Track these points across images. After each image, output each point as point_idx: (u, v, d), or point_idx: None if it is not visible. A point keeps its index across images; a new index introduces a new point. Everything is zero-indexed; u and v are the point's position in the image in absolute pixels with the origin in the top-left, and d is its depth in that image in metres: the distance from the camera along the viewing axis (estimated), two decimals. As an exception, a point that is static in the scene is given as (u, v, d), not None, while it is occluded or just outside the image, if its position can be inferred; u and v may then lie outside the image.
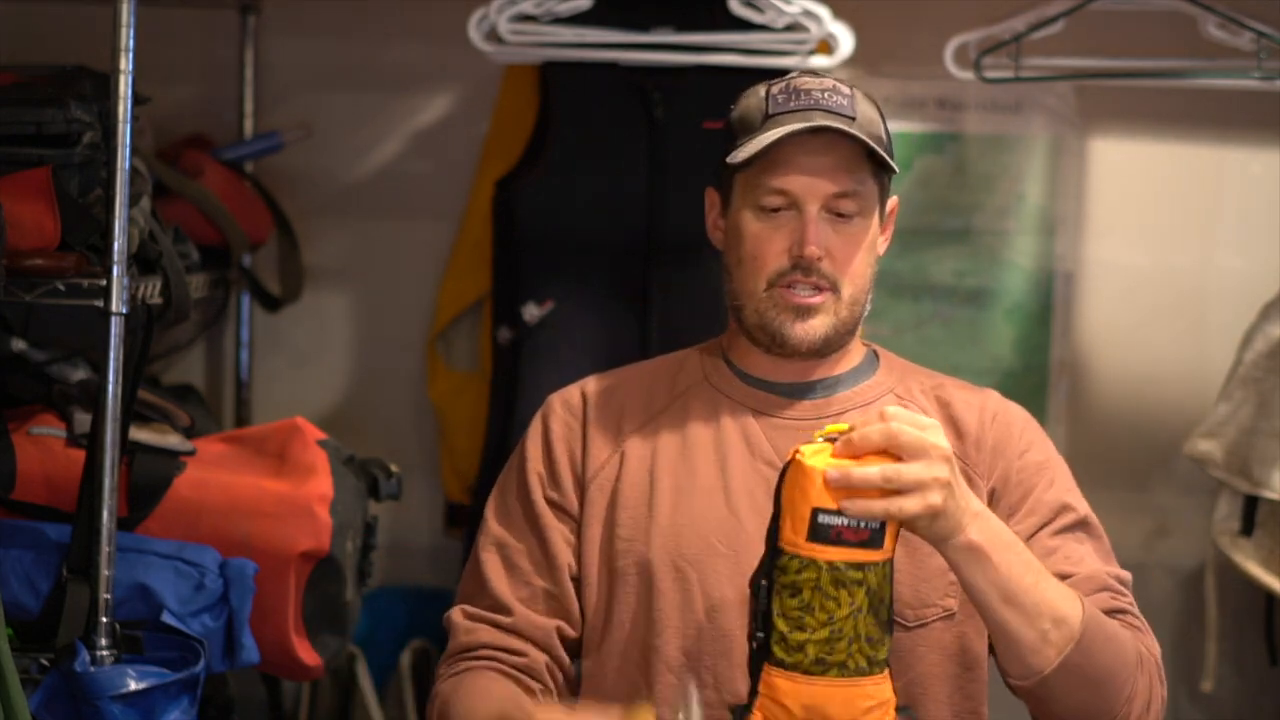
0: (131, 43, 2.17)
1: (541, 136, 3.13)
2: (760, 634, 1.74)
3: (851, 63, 2.99)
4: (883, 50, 3.22)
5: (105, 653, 2.20)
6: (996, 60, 2.95)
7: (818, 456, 1.72)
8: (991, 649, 2.00)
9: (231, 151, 3.19)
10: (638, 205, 3.04)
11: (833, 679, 1.72)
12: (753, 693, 1.76)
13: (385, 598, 3.29)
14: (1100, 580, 1.95)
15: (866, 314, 2.08)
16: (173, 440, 2.50)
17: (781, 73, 2.08)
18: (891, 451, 1.72)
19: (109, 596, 2.20)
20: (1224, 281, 3.30)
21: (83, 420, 2.42)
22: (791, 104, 1.98)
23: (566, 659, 2.04)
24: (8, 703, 2.04)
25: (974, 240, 3.31)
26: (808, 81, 2.00)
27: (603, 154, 3.07)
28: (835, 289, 2.00)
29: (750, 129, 1.99)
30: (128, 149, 2.20)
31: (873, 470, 1.70)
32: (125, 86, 2.18)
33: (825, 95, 1.98)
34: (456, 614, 2.05)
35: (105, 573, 2.20)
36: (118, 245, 2.19)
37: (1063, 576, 1.90)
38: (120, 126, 2.19)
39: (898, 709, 1.77)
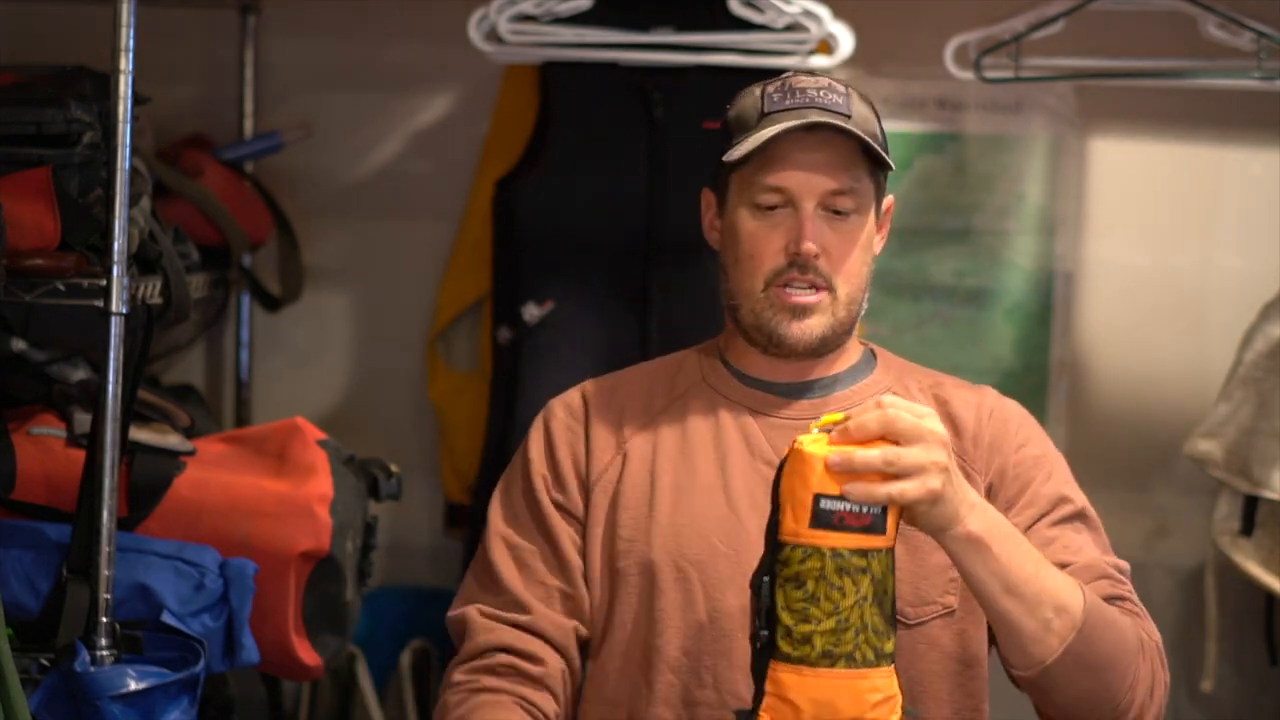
0: (131, 43, 2.17)
1: (541, 136, 3.13)
2: (764, 631, 1.73)
3: (851, 63, 2.99)
4: (883, 50, 3.22)
5: (105, 653, 2.20)
6: (996, 60, 2.95)
7: (816, 445, 1.72)
8: (993, 642, 2.00)
9: (231, 151, 3.19)
10: (638, 205, 3.04)
11: (841, 670, 1.71)
12: (758, 695, 1.74)
13: (385, 598, 3.29)
14: (1099, 568, 1.95)
15: (863, 313, 2.07)
16: (173, 440, 2.50)
17: (780, 73, 2.08)
18: (889, 438, 1.72)
19: (109, 596, 2.20)
20: (1224, 281, 3.30)
21: (83, 420, 2.42)
22: (787, 102, 1.98)
23: (579, 662, 2.04)
24: (8, 703, 2.04)
25: (974, 240, 3.31)
26: (803, 80, 2.00)
27: (603, 154, 3.07)
28: (831, 288, 2.00)
29: (746, 128, 1.99)
30: (128, 149, 2.20)
31: (874, 453, 1.70)
32: (125, 86, 2.18)
33: (821, 93, 1.98)
34: (472, 612, 2.03)
35: (105, 573, 2.20)
36: (118, 245, 2.19)
37: (1061, 566, 1.90)
38: (120, 126, 2.19)
39: (904, 709, 1.77)
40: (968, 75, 2.98)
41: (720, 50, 2.97)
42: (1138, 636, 1.89)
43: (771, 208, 1.99)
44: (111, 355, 2.20)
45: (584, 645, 2.05)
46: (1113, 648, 1.85)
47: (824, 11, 2.91)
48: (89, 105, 2.30)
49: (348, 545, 2.49)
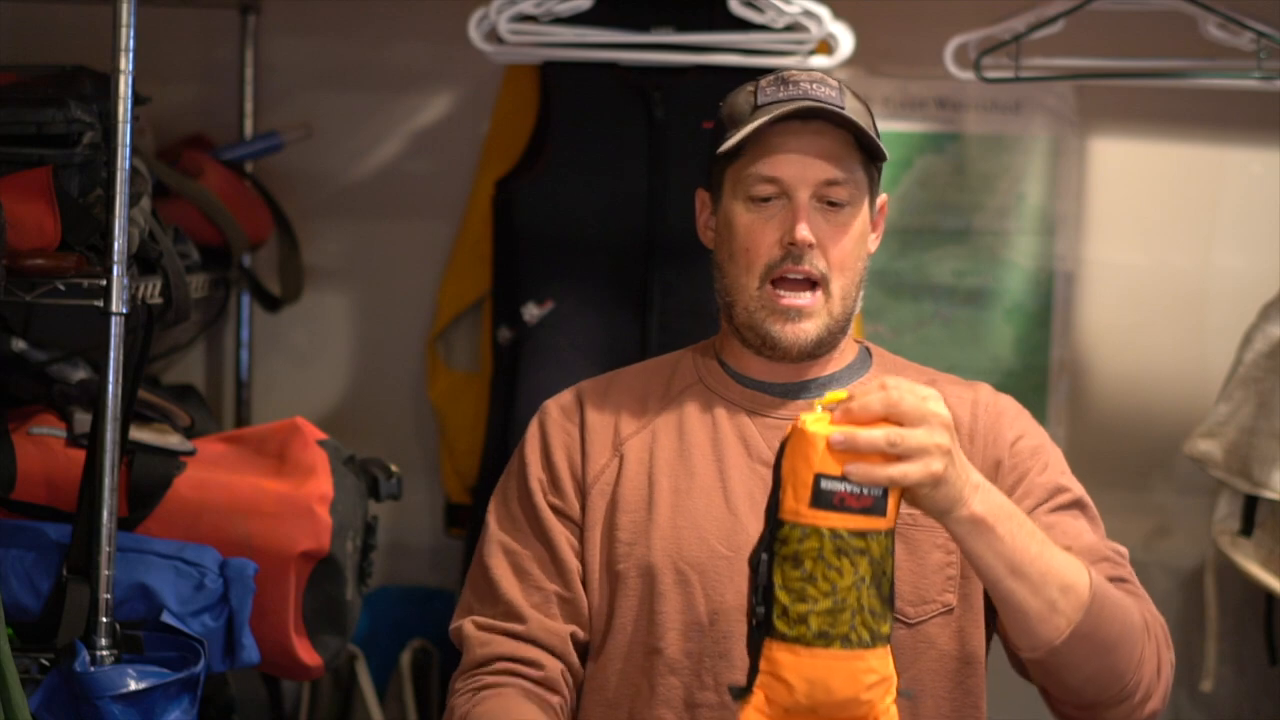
0: (131, 43, 2.17)
1: (541, 136, 3.14)
2: (760, 609, 1.72)
3: (851, 63, 2.99)
4: (883, 50, 3.22)
5: (105, 653, 2.20)
6: (996, 60, 2.95)
7: (819, 424, 1.72)
8: (990, 640, 2.00)
9: (231, 151, 3.19)
10: (638, 205, 3.04)
11: (836, 651, 1.70)
12: (753, 671, 1.74)
13: (385, 598, 3.29)
14: (1099, 552, 1.95)
15: (859, 310, 2.07)
16: (173, 440, 2.50)
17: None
18: (892, 419, 1.72)
19: (109, 596, 2.20)
20: (1224, 281, 3.30)
21: (83, 420, 2.42)
22: (780, 94, 1.98)
23: (579, 665, 2.04)
24: (8, 703, 2.04)
25: (974, 240, 3.31)
26: (796, 74, 2.01)
27: (603, 154, 3.07)
28: (826, 285, 1.99)
29: (739, 122, 1.99)
30: (128, 149, 2.20)
31: (877, 433, 1.69)
32: (125, 86, 2.18)
33: (814, 86, 1.99)
34: (468, 626, 2.03)
35: (105, 573, 2.20)
36: (118, 245, 2.19)
37: None
38: (120, 126, 2.19)
39: (900, 691, 1.77)
40: (968, 75, 2.97)
41: (720, 50, 2.97)
42: (1142, 616, 1.88)
43: (766, 199, 1.99)
44: (111, 355, 2.20)
45: (583, 648, 2.04)
46: (1119, 627, 1.84)
47: (824, 11, 2.91)
48: (89, 105, 2.30)
49: (348, 545, 2.49)
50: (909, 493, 1.73)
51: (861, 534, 1.70)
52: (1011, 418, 2.06)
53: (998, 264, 3.31)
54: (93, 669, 2.17)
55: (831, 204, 1.99)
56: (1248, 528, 3.02)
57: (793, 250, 1.97)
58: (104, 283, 2.19)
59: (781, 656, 1.72)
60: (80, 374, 2.59)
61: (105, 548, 2.20)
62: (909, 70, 3.27)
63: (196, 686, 2.24)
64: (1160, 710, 1.90)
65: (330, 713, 3.19)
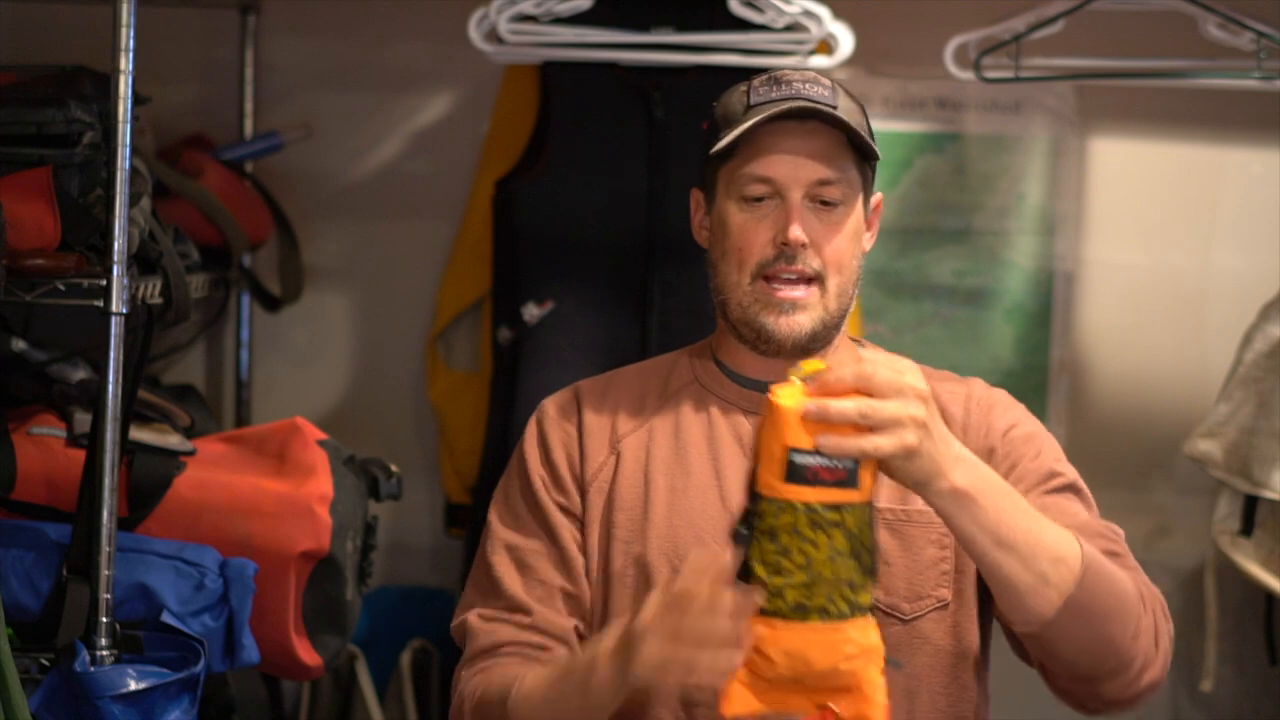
0: (131, 43, 2.17)
1: (541, 136, 3.14)
2: (740, 583, 1.72)
3: (851, 63, 2.99)
4: (883, 50, 3.22)
5: (105, 653, 2.20)
6: (996, 60, 2.95)
7: (792, 398, 1.71)
8: (994, 615, 1.99)
9: (231, 151, 3.19)
10: (638, 205, 3.04)
11: (813, 624, 1.70)
12: None
13: (385, 598, 3.29)
14: (1094, 529, 1.94)
15: (855, 309, 2.07)
16: (173, 440, 2.50)
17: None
18: (864, 391, 1.70)
19: (109, 596, 2.20)
20: (1224, 281, 3.30)
21: (83, 420, 2.42)
22: (773, 94, 1.99)
23: None
24: (8, 703, 2.04)
25: (974, 240, 3.31)
26: (789, 74, 2.01)
27: (603, 154, 3.07)
28: (821, 281, 1.99)
29: (732, 122, 1.99)
30: (128, 149, 2.20)
31: (848, 405, 1.68)
32: (125, 86, 2.18)
33: (806, 85, 1.99)
34: (472, 617, 2.03)
35: (105, 573, 2.20)
36: (118, 245, 2.19)
37: None
38: (120, 126, 2.19)
39: (887, 659, 1.76)
40: (968, 75, 2.97)
41: (720, 50, 2.97)
42: (1137, 589, 1.87)
43: (758, 199, 1.99)
44: (111, 355, 2.20)
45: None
46: (1113, 599, 1.83)
47: (824, 11, 2.91)
48: (89, 105, 2.30)
49: (348, 545, 2.49)
50: (886, 465, 1.72)
51: (836, 507, 1.69)
52: (1004, 408, 2.06)
53: (998, 264, 3.31)
54: (93, 669, 2.17)
55: (825, 203, 1.99)
56: (1248, 528, 3.02)
57: (785, 250, 1.97)
58: (104, 283, 2.19)
59: (760, 630, 1.72)
60: (80, 374, 2.59)
61: (105, 548, 2.20)
62: (909, 70, 3.27)
63: (196, 686, 2.24)
64: (1160, 681, 1.88)
65: (330, 713, 3.19)
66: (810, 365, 1.74)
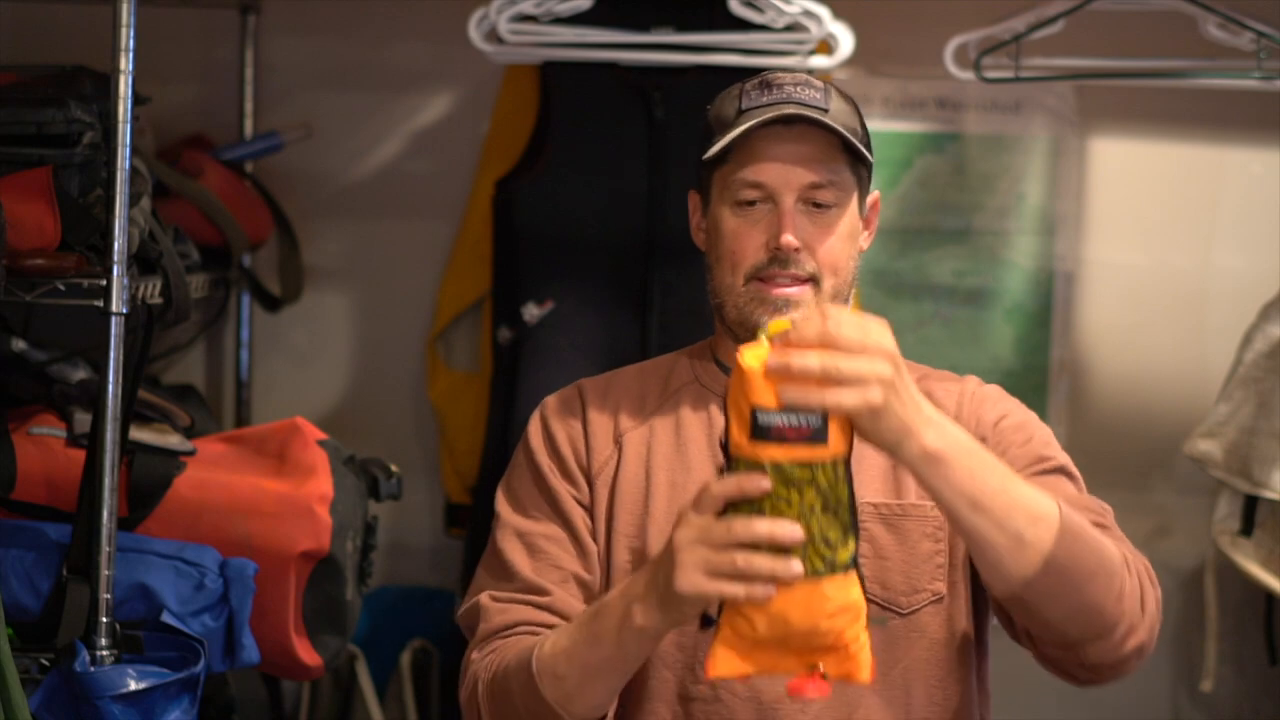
0: (131, 43, 2.17)
1: (541, 136, 3.14)
2: None
3: (851, 63, 2.99)
4: (883, 50, 3.22)
5: (105, 653, 2.20)
6: (996, 60, 2.95)
7: (755, 357, 1.70)
8: (980, 611, 1.99)
9: (231, 151, 3.19)
10: (638, 205, 3.04)
11: (790, 583, 1.69)
12: (720, 606, 1.74)
13: (385, 598, 3.29)
14: (1083, 503, 1.94)
15: (850, 308, 2.06)
16: (173, 440, 2.50)
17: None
18: (830, 346, 1.69)
19: (109, 596, 2.20)
20: (1224, 281, 3.30)
21: (83, 420, 2.42)
22: (764, 98, 1.99)
23: None
24: (8, 703, 2.04)
25: (974, 240, 3.31)
26: (780, 76, 2.01)
27: (603, 154, 3.07)
28: (816, 281, 1.99)
29: (725, 127, 2.00)
30: (128, 149, 2.20)
31: (811, 359, 1.68)
32: (125, 86, 2.18)
33: (798, 89, 1.99)
34: (484, 599, 2.01)
35: (105, 573, 2.20)
36: (118, 245, 2.19)
37: None
38: (120, 126, 2.19)
39: (870, 618, 1.75)
40: (968, 75, 2.98)
41: (720, 50, 2.97)
42: (1121, 553, 1.86)
43: (751, 203, 1.99)
44: (111, 355, 2.20)
45: None
46: (1093, 559, 1.82)
47: (824, 11, 2.91)
48: (89, 105, 2.30)
49: (348, 545, 2.49)
50: (856, 425, 1.71)
51: (806, 464, 1.69)
52: (994, 401, 2.06)
53: (998, 264, 3.31)
54: (93, 669, 2.17)
55: (817, 205, 1.99)
56: (1248, 528, 3.02)
57: (779, 255, 1.98)
58: (104, 283, 2.19)
59: None
60: (80, 374, 2.59)
61: (105, 548, 2.20)
62: (909, 70, 3.27)
63: (196, 686, 2.24)
64: (1147, 647, 1.87)
65: (330, 713, 3.19)
66: (778, 325, 1.73)
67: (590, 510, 2.04)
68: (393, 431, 3.36)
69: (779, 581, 1.69)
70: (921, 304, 3.33)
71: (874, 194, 2.08)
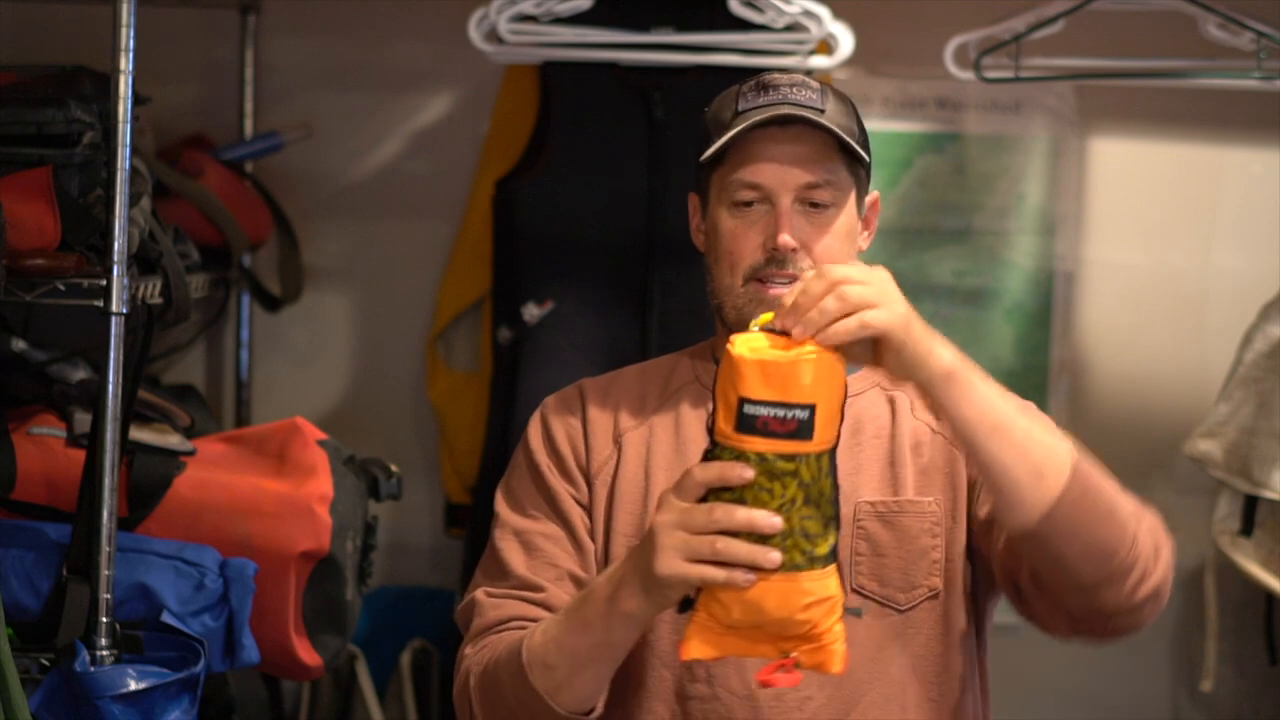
0: (131, 43, 2.17)
1: (541, 136, 3.14)
2: None
3: (851, 63, 2.99)
4: (883, 50, 3.22)
5: (105, 653, 2.20)
6: (996, 60, 2.95)
7: (746, 347, 1.71)
8: (977, 590, 1.99)
9: (231, 151, 3.19)
10: (638, 205, 3.04)
11: (767, 574, 1.70)
12: (698, 590, 1.75)
13: (385, 598, 3.29)
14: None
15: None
16: (173, 440, 2.50)
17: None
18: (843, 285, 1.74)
19: (109, 596, 2.20)
20: (1224, 281, 3.30)
21: (83, 420, 2.42)
22: (760, 100, 2.00)
23: None
24: (8, 703, 2.04)
25: (974, 240, 3.31)
26: (777, 78, 2.02)
27: (603, 154, 3.07)
28: None
29: (722, 128, 2.00)
30: (128, 149, 2.20)
31: (831, 301, 1.72)
32: (125, 86, 2.18)
33: (794, 90, 2.00)
34: (480, 594, 2.03)
35: (105, 573, 2.20)
36: (118, 245, 2.19)
37: None
38: (120, 126, 2.19)
39: (846, 609, 1.76)
40: (968, 75, 2.98)
41: (720, 50, 2.97)
42: (1131, 501, 1.87)
43: (748, 204, 2.00)
44: (111, 355, 2.20)
45: None
46: (1107, 500, 1.83)
47: (824, 11, 2.91)
48: (89, 105, 2.30)
49: (348, 545, 2.49)
50: (878, 354, 1.75)
51: (789, 457, 1.70)
52: None
53: (998, 264, 3.31)
54: (93, 669, 2.17)
55: (814, 205, 2.00)
56: (1248, 528, 3.03)
57: (776, 255, 1.98)
58: (104, 283, 2.19)
59: None
60: (80, 374, 2.59)
61: (105, 548, 2.20)
62: (909, 70, 3.27)
63: (196, 686, 2.24)
64: (1162, 593, 1.87)
65: (330, 713, 3.19)
66: (769, 316, 1.75)
67: (589, 510, 2.05)
68: (393, 431, 3.36)
69: (757, 570, 1.70)
70: (921, 304, 3.26)
71: (873, 194, 2.08)
